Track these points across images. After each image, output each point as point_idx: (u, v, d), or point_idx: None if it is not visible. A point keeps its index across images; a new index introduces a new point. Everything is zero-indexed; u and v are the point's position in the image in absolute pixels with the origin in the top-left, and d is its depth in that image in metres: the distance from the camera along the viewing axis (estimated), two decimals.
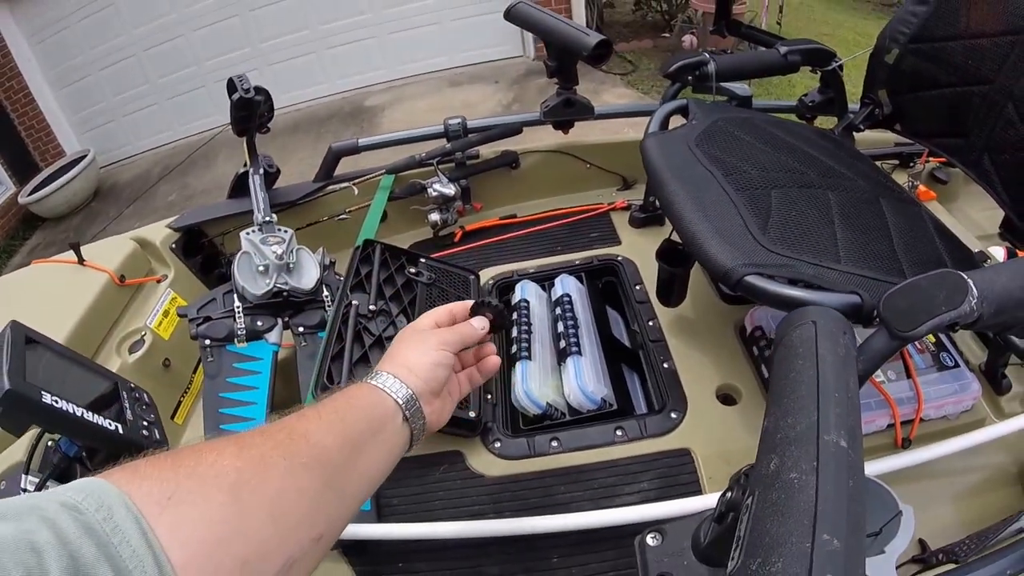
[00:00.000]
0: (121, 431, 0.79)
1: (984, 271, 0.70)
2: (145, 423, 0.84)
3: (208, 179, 5.40)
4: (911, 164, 1.73)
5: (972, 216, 1.67)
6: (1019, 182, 1.12)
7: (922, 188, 1.66)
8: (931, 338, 1.13)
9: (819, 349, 0.53)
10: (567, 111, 1.61)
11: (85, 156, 5.76)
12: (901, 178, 1.65)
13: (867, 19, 7.61)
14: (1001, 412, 1.09)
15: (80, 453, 0.79)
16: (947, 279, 0.68)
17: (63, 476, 0.80)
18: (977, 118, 1.18)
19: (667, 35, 6.42)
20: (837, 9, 8.05)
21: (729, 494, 0.53)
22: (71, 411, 0.74)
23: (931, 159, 1.71)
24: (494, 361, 0.82)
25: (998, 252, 1.43)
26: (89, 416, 0.76)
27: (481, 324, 0.79)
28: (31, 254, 5.26)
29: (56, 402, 0.72)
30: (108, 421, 0.78)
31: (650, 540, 0.60)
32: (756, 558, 0.39)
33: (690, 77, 1.39)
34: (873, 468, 0.93)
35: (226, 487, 0.43)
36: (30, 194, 5.54)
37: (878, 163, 1.48)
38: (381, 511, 1.02)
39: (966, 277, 0.67)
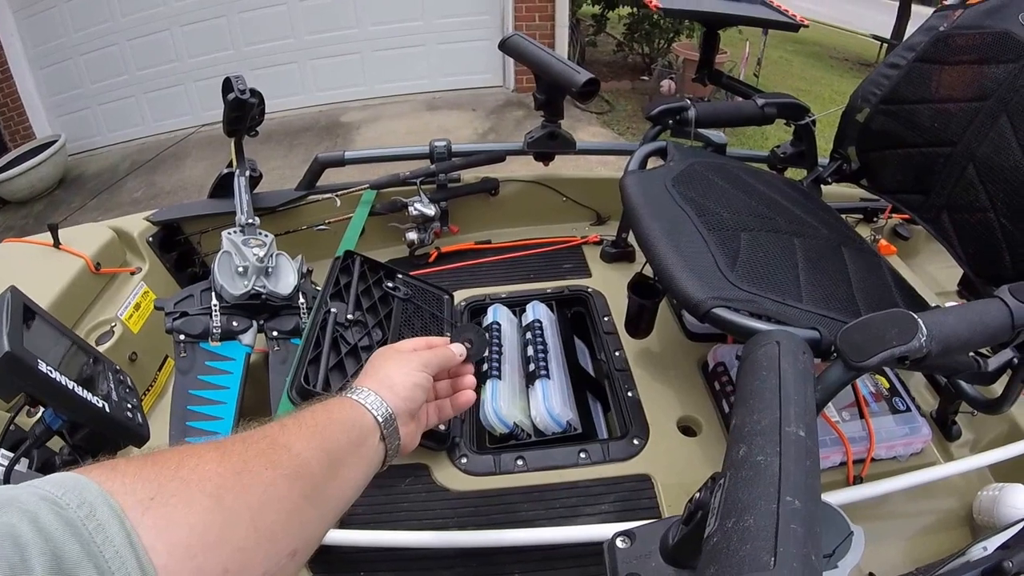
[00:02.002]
0: (108, 409, 0.80)
1: (933, 312, 0.76)
2: (129, 406, 0.85)
3: (176, 179, 5.31)
4: (874, 219, 1.81)
5: (931, 272, 1.75)
6: (976, 240, 1.19)
7: (883, 242, 1.74)
8: (885, 383, 1.19)
9: (781, 363, 0.58)
10: (550, 144, 1.66)
11: (55, 141, 5.58)
12: (864, 232, 1.72)
13: (843, 77, 7.84)
14: (951, 457, 1.15)
15: (63, 427, 0.79)
16: (899, 317, 0.74)
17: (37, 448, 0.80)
18: (939, 178, 1.26)
19: (646, 78, 6.55)
20: (815, 66, 8.29)
21: (697, 495, 0.56)
22: (63, 383, 0.74)
23: (894, 215, 1.79)
24: (468, 396, 0.81)
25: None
26: (79, 390, 0.76)
27: (459, 350, 0.79)
28: None
29: (51, 372, 0.73)
30: (96, 398, 0.79)
31: (619, 543, 0.63)
32: (731, 518, 0.44)
33: (671, 121, 1.45)
34: (826, 500, 0.97)
35: (209, 492, 0.42)
36: None
37: (843, 216, 1.55)
38: (344, 518, 1.03)
39: (916, 316, 0.72)
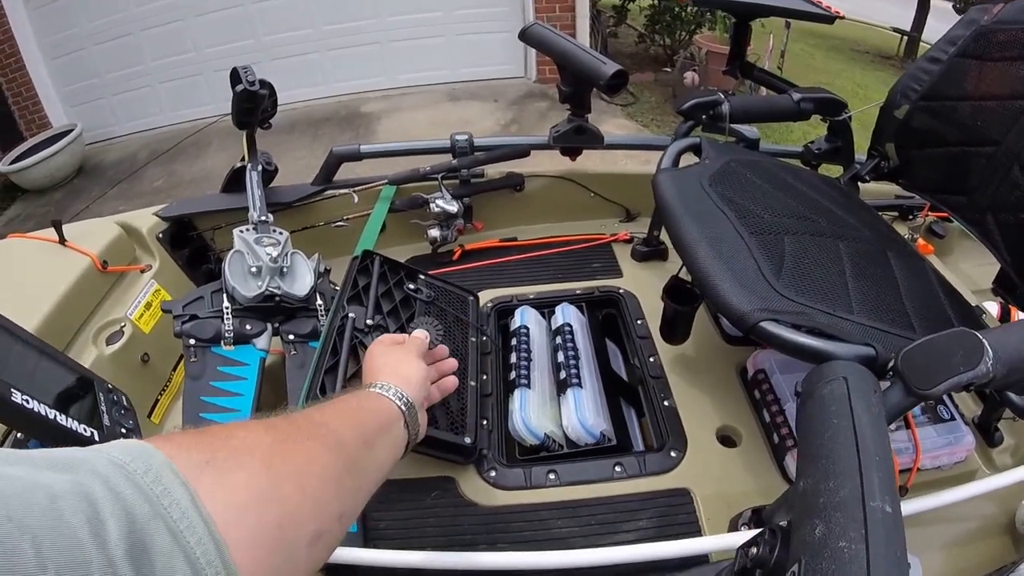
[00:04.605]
0: (97, 438, 0.74)
1: (996, 332, 0.70)
2: (123, 430, 0.79)
3: (197, 168, 5.31)
4: (910, 217, 1.75)
5: (966, 271, 1.69)
6: (1022, 242, 1.14)
7: (921, 241, 1.69)
8: None
9: (853, 407, 0.52)
10: (577, 138, 1.59)
11: (72, 130, 5.62)
12: (901, 230, 1.67)
13: (865, 70, 7.79)
14: (992, 464, 1.11)
15: None
16: (964, 339, 0.69)
17: None
18: (983, 178, 1.20)
19: (668, 70, 6.49)
20: (837, 59, 8.22)
21: (755, 550, 0.50)
22: (42, 413, 0.68)
23: (930, 213, 1.73)
24: (451, 381, 0.92)
25: (992, 307, 1.46)
26: (62, 420, 0.70)
27: (423, 335, 0.91)
28: (7, 226, 5.11)
29: (27, 402, 0.66)
30: (83, 426, 0.72)
31: None
32: None
33: (703, 116, 1.39)
34: None
35: (259, 457, 0.45)
36: (11, 163, 5.39)
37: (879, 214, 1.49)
38: (368, 534, 0.99)
39: (982, 337, 0.67)
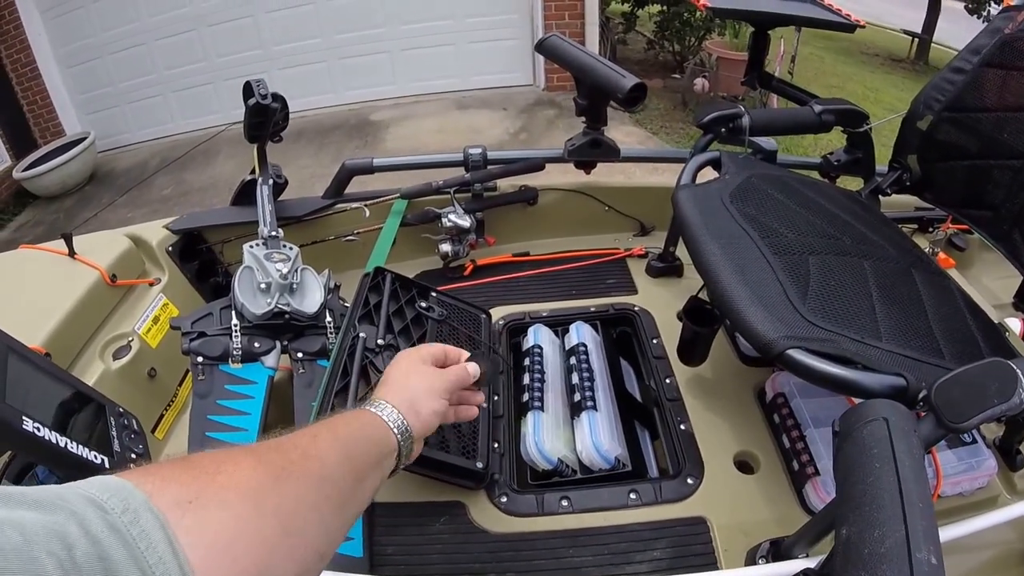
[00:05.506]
0: (107, 464, 0.72)
1: None
2: (133, 455, 0.77)
3: (206, 177, 5.34)
4: (931, 229, 1.71)
5: (987, 284, 1.66)
6: None
7: (942, 255, 1.65)
8: None
9: (895, 451, 0.50)
10: (593, 152, 1.56)
11: (85, 138, 5.68)
12: (921, 243, 1.63)
13: (875, 73, 7.78)
14: (1013, 488, 1.08)
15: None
16: (998, 370, 0.67)
17: None
18: (1009, 192, 1.17)
19: (678, 76, 6.46)
20: (847, 62, 8.21)
21: None
22: (53, 441, 0.66)
23: (951, 225, 1.69)
24: (472, 412, 0.86)
25: (1014, 324, 1.42)
26: (73, 447, 0.68)
27: (474, 370, 0.83)
28: (18, 231, 5.19)
29: (38, 430, 0.65)
30: (93, 453, 0.70)
31: None
32: None
33: (723, 129, 1.36)
34: None
35: (245, 495, 0.44)
36: (25, 170, 5.45)
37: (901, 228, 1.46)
38: (374, 559, 0.96)
39: (1015, 367, 0.65)
